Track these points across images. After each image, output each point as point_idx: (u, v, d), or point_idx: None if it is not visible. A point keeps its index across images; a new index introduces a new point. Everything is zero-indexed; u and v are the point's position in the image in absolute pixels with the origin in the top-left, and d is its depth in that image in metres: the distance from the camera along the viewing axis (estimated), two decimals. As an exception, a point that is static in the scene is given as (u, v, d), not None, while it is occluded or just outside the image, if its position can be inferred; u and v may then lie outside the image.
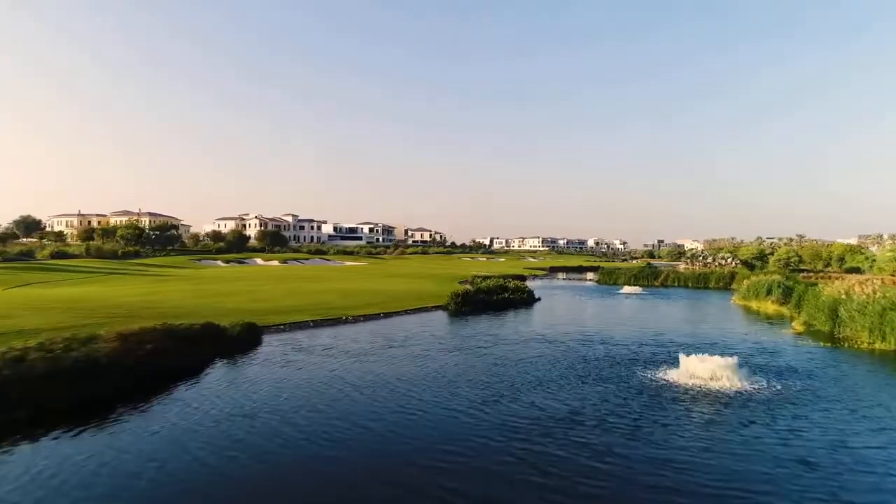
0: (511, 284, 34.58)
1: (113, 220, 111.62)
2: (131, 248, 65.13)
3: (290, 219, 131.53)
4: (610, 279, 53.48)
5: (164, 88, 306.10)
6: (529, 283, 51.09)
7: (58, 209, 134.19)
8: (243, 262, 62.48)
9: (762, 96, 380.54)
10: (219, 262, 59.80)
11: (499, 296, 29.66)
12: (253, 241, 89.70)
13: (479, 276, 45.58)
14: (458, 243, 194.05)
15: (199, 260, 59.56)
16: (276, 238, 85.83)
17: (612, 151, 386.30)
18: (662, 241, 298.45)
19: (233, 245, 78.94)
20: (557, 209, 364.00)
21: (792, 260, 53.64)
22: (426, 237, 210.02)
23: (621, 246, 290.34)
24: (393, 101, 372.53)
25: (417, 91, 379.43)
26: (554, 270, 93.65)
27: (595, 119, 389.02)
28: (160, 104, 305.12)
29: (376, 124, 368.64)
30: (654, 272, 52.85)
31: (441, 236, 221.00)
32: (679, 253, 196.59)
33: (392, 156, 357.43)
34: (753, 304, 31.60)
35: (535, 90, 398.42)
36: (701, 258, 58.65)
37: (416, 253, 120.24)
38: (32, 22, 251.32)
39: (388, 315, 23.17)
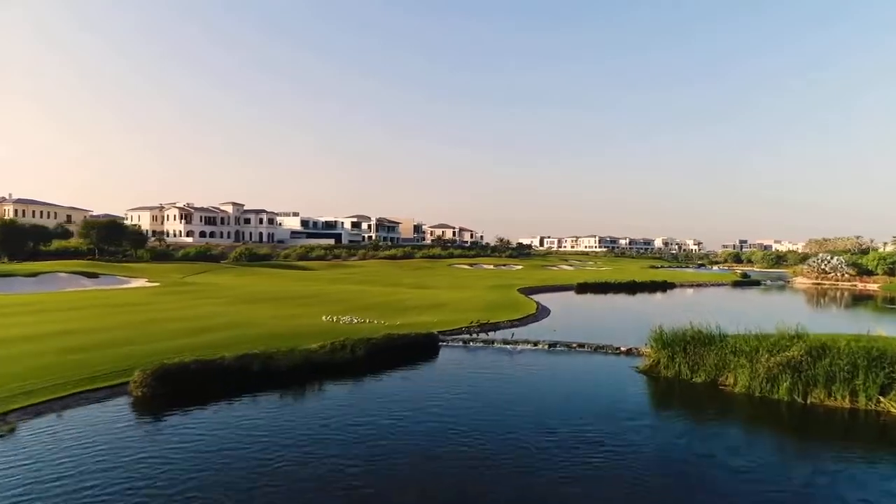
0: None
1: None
2: None
3: (229, 209, 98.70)
4: (693, 371, 14.80)
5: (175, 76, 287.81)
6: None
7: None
8: None
9: (850, 77, 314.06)
10: None
11: None
12: (71, 241, 56.38)
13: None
14: (484, 243, 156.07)
15: None
16: (111, 234, 51.74)
17: (681, 147, 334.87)
18: (745, 242, 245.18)
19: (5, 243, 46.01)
20: (620, 206, 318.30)
21: None
22: (449, 235, 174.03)
23: (696, 247, 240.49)
24: (431, 100, 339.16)
25: (468, 89, 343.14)
26: (584, 289, 54.21)
27: (658, 120, 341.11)
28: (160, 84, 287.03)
29: (410, 119, 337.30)
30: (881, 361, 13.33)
31: (473, 234, 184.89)
32: (777, 257, 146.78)
33: (429, 149, 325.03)
34: None
35: (597, 89, 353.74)
36: None
37: (392, 258, 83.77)
38: None
39: None
